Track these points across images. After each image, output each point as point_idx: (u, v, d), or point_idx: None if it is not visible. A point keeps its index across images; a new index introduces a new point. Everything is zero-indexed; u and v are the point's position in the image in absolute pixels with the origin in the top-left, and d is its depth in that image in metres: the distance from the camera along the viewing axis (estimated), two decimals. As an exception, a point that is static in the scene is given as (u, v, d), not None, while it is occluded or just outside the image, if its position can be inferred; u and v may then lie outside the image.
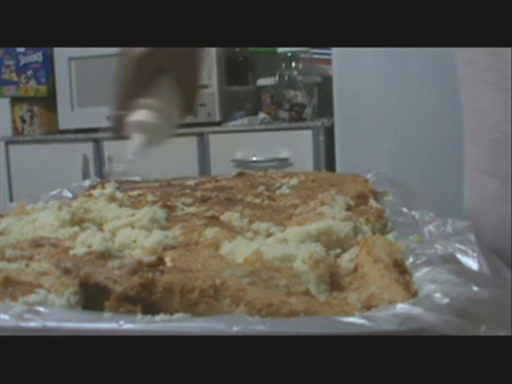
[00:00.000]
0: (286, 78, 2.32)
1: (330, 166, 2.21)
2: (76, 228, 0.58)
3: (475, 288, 0.36)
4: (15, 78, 2.68)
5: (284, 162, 2.28)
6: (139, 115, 0.66)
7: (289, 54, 2.33)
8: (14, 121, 2.71)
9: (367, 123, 2.22)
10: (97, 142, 2.51)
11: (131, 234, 0.55)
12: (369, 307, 0.38)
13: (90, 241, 0.53)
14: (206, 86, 2.42)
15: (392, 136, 2.34)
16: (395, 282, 0.41)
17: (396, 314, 0.34)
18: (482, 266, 0.63)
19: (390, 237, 0.54)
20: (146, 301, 0.38)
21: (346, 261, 0.48)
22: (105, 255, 0.46)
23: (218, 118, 2.43)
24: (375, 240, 0.51)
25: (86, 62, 2.58)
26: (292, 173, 0.94)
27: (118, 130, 0.70)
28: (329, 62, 2.31)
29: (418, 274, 0.42)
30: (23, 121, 2.70)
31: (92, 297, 0.39)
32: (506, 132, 0.51)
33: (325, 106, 2.39)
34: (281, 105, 2.32)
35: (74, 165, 2.49)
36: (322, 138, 2.25)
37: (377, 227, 0.58)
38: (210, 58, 2.40)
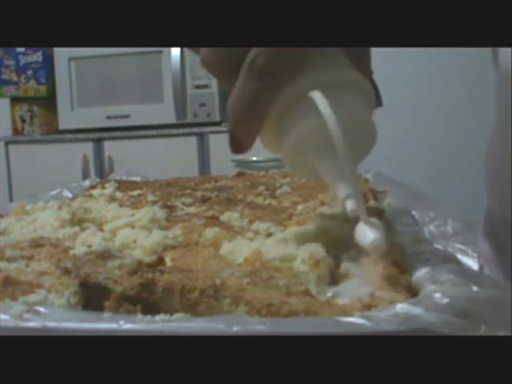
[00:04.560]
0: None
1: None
2: (76, 228, 0.58)
3: (475, 288, 0.36)
4: (15, 78, 2.68)
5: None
6: (370, 236, 0.43)
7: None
8: (13, 121, 2.72)
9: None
10: (97, 142, 2.51)
11: (131, 233, 0.55)
12: (369, 307, 0.38)
13: (90, 241, 0.53)
14: (206, 86, 2.42)
15: (392, 136, 2.33)
16: (395, 281, 0.41)
17: (396, 313, 0.34)
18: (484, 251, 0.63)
19: (390, 237, 0.54)
20: (146, 301, 0.38)
21: (346, 261, 0.48)
22: (105, 255, 0.46)
23: (217, 118, 2.43)
24: (375, 240, 0.51)
25: (86, 62, 2.58)
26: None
27: None
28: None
29: (418, 274, 0.42)
30: (23, 121, 2.70)
31: (92, 297, 0.39)
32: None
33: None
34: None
35: (74, 165, 2.49)
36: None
37: (377, 227, 0.58)
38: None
